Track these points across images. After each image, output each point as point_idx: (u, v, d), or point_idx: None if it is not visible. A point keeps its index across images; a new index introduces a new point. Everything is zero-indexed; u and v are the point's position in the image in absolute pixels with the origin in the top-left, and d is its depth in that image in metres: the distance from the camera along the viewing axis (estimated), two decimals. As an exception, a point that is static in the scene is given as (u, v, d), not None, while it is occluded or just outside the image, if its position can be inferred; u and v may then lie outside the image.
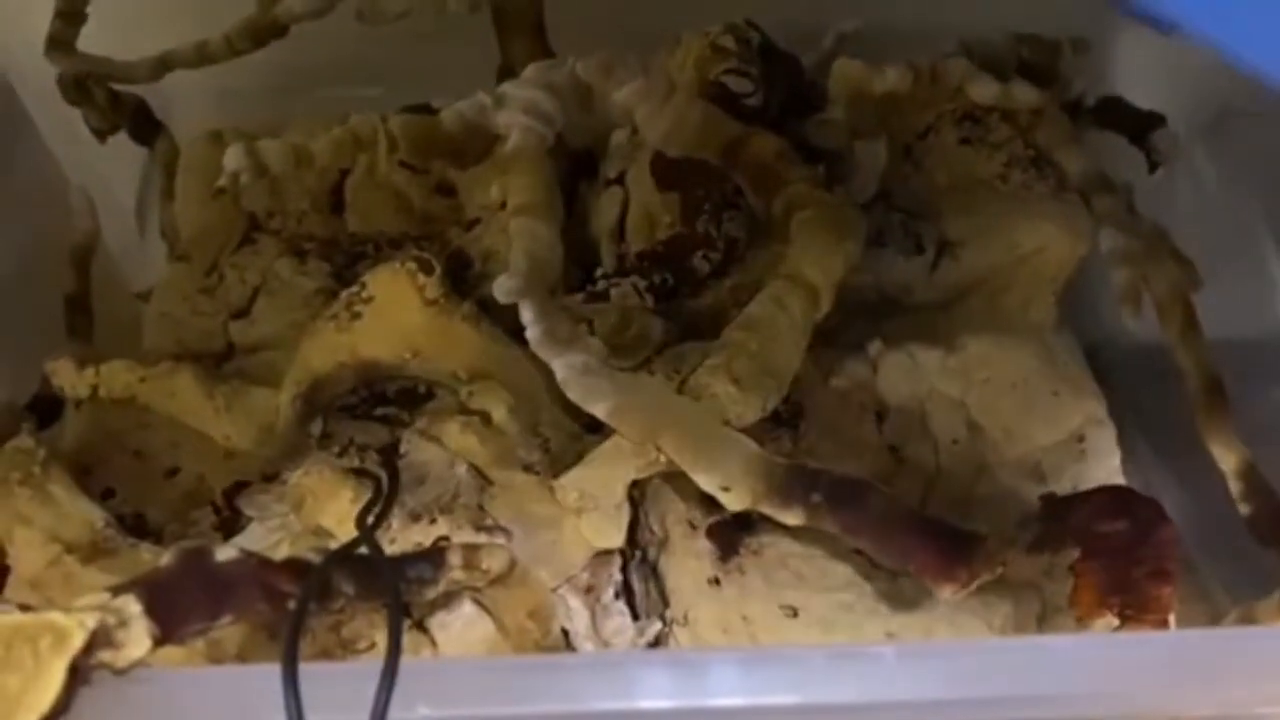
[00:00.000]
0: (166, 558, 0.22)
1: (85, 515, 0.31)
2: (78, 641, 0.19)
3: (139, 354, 0.38)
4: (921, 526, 0.29)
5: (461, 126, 0.37)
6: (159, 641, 0.20)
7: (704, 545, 0.33)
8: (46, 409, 0.37)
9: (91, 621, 0.19)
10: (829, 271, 0.36)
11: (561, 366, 0.32)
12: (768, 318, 0.35)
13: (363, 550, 0.26)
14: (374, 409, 0.37)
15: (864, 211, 0.39)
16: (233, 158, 0.34)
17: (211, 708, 0.20)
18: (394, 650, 0.19)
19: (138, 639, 0.20)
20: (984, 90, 0.42)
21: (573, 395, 0.32)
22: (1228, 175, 0.53)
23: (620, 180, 0.42)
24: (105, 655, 0.19)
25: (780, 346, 0.35)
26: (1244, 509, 0.39)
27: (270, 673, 0.19)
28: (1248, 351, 0.46)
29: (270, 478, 0.34)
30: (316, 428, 0.35)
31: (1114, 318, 0.41)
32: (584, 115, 0.40)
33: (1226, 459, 0.39)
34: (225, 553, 0.22)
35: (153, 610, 0.20)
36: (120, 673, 0.19)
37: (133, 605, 0.20)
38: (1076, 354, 0.40)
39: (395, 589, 0.23)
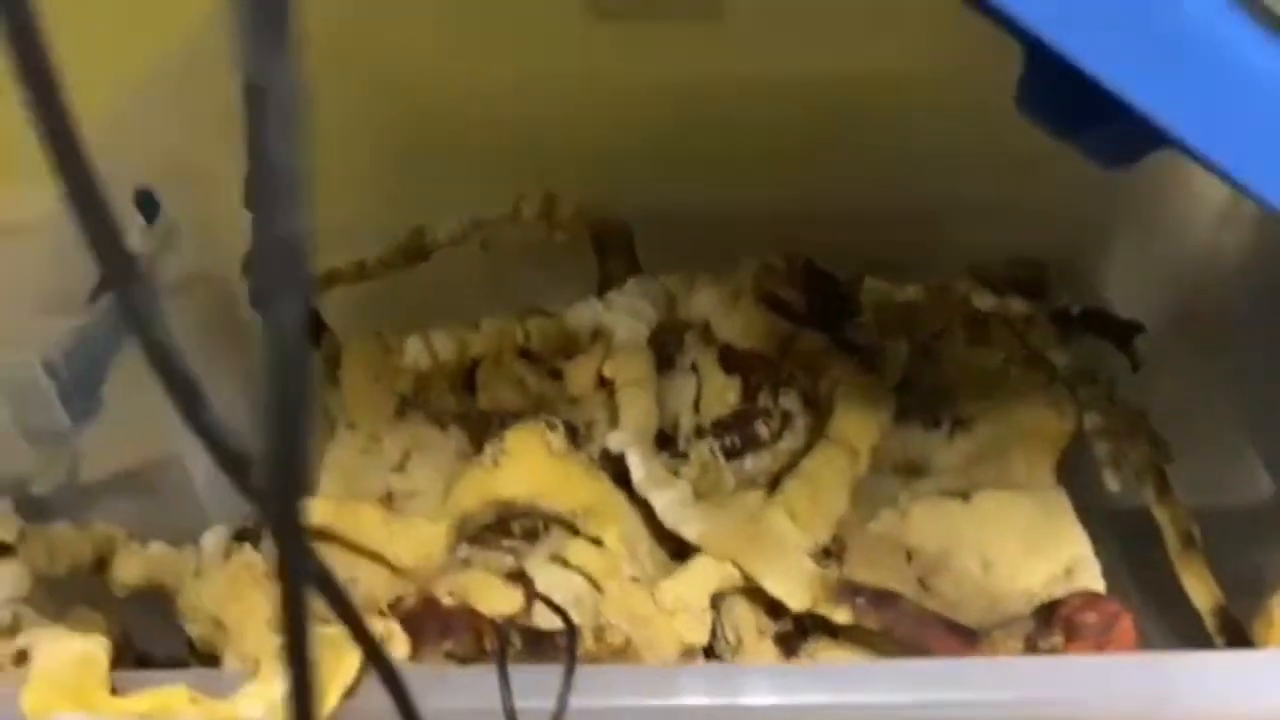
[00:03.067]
0: (409, 600, 0.31)
1: (297, 608, 0.40)
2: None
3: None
4: (940, 623, 0.38)
5: (579, 324, 0.48)
6: (412, 651, 0.29)
7: (770, 648, 0.42)
8: (250, 540, 0.47)
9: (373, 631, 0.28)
10: (866, 436, 0.46)
11: (660, 500, 0.42)
12: (817, 471, 0.45)
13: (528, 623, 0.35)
14: (501, 541, 0.46)
15: (892, 393, 0.50)
16: (413, 347, 0.45)
17: (451, 693, 0.28)
18: (571, 657, 0.28)
19: (400, 646, 0.29)
20: (984, 301, 0.53)
21: (668, 523, 0.42)
22: (1202, 371, 0.63)
23: (694, 368, 0.53)
24: (379, 657, 0.29)
25: (828, 494, 0.44)
26: (1219, 642, 0.47)
27: (487, 672, 0.28)
28: (1222, 520, 0.55)
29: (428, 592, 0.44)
30: (461, 553, 0.45)
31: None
32: (669, 317, 0.52)
33: (1201, 599, 0.48)
34: (447, 601, 0.32)
35: (406, 630, 0.29)
36: (388, 669, 0.28)
37: (395, 624, 0.29)
38: (1069, 507, 0.49)
39: (567, 618, 0.32)
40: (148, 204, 0.46)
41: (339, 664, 0.28)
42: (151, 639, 0.44)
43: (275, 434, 0.14)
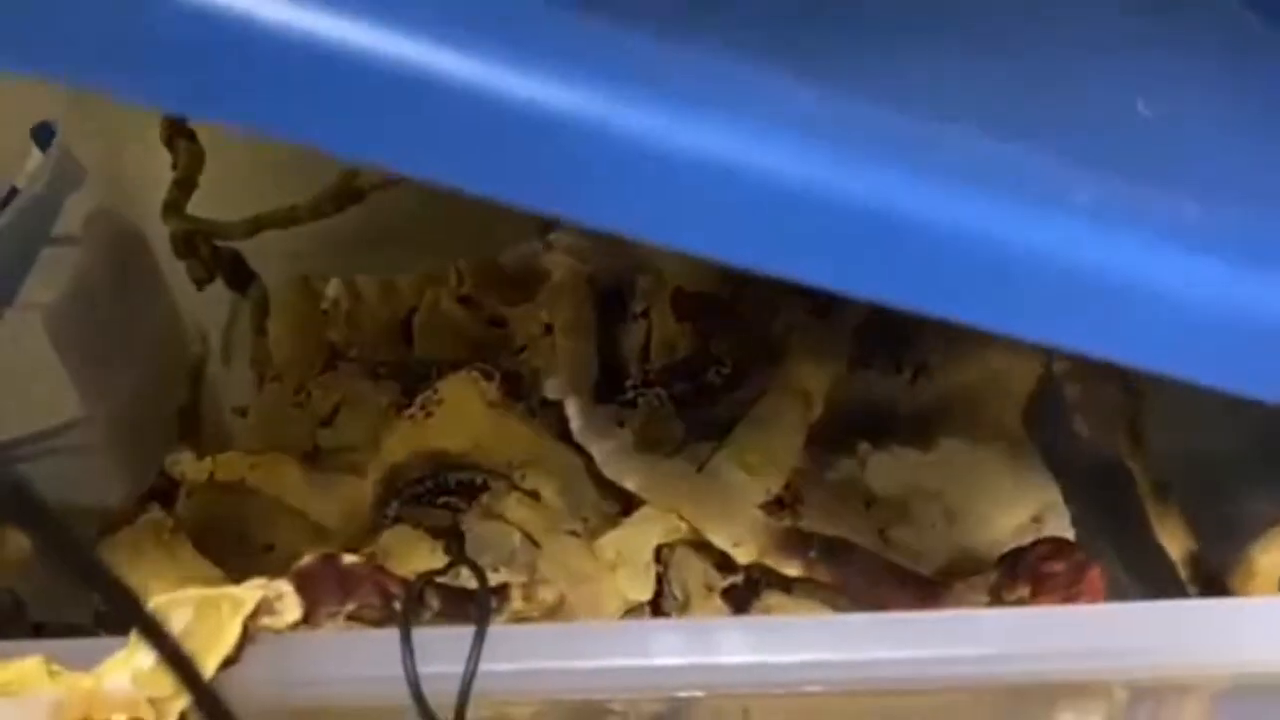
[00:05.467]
0: (306, 559, 0.29)
1: (206, 572, 0.37)
2: (249, 607, 0.25)
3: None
4: (897, 575, 0.36)
5: (517, 265, 0.45)
6: (305, 616, 0.26)
7: (719, 605, 0.39)
8: (161, 500, 0.44)
9: (259, 593, 0.26)
10: (819, 380, 0.43)
11: (600, 450, 0.39)
12: (769, 418, 0.42)
13: (443, 580, 0.32)
14: (437, 499, 0.43)
15: (849, 337, 0.47)
16: (333, 287, 0.42)
17: (347, 659, 0.26)
18: (483, 616, 0.25)
19: (291, 609, 0.26)
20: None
21: (609, 473, 0.39)
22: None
23: (645, 314, 0.50)
24: (267, 620, 0.26)
25: (781, 440, 0.42)
26: (1193, 592, 0.45)
27: (391, 634, 0.25)
28: (1196, 467, 0.53)
29: (352, 551, 0.41)
30: (391, 510, 0.42)
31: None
32: (615, 258, 0.49)
33: (1175, 548, 0.45)
34: (349, 558, 0.29)
35: (300, 591, 0.26)
36: (277, 633, 0.26)
37: (286, 586, 0.26)
38: (1036, 455, 0.47)
39: (481, 575, 0.29)
40: (44, 135, 0.42)
41: (219, 631, 0.25)
42: (57, 607, 0.41)
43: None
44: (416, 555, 0.36)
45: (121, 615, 0.18)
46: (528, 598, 0.33)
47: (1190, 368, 0.24)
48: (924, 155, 0.22)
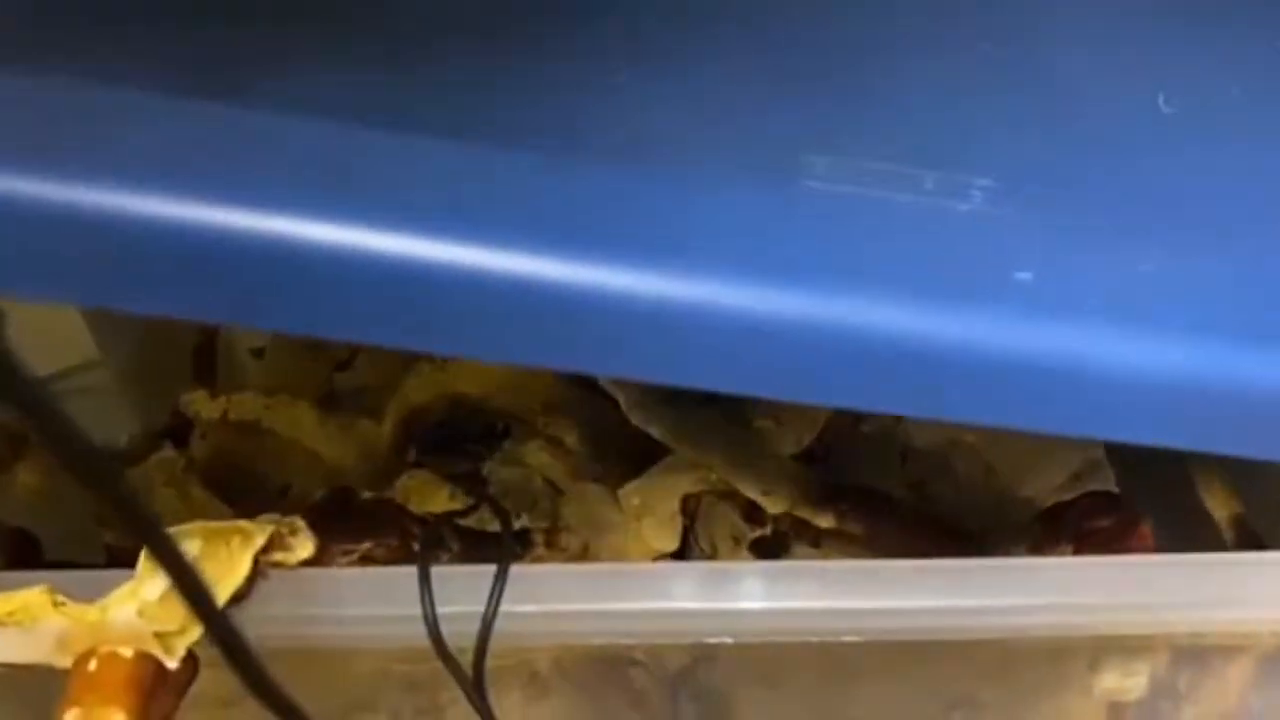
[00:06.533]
0: (322, 493, 0.27)
1: (219, 510, 0.36)
2: (260, 541, 0.24)
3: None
4: (932, 528, 0.34)
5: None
6: (318, 553, 0.25)
7: (746, 557, 0.38)
8: (174, 439, 0.43)
9: (270, 528, 0.24)
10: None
11: (626, 396, 0.38)
12: (802, 366, 0.41)
13: (463, 523, 0.31)
14: (458, 445, 0.42)
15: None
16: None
17: (362, 597, 0.25)
18: (505, 555, 0.24)
19: (304, 545, 0.25)
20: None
21: (636, 419, 0.38)
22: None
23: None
24: (278, 555, 0.25)
25: (813, 390, 0.40)
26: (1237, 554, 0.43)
27: (409, 572, 0.24)
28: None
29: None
30: (411, 455, 0.41)
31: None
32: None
33: (1219, 511, 0.44)
34: (367, 494, 0.28)
35: (314, 527, 0.25)
36: (289, 569, 0.25)
37: (299, 521, 0.25)
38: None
39: (503, 513, 0.28)
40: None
41: (228, 566, 0.24)
42: (71, 546, 0.40)
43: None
44: (435, 500, 0.35)
45: (131, 527, 0.17)
46: (550, 544, 0.32)
47: (1143, 435, 0.23)
48: (845, 262, 0.21)
